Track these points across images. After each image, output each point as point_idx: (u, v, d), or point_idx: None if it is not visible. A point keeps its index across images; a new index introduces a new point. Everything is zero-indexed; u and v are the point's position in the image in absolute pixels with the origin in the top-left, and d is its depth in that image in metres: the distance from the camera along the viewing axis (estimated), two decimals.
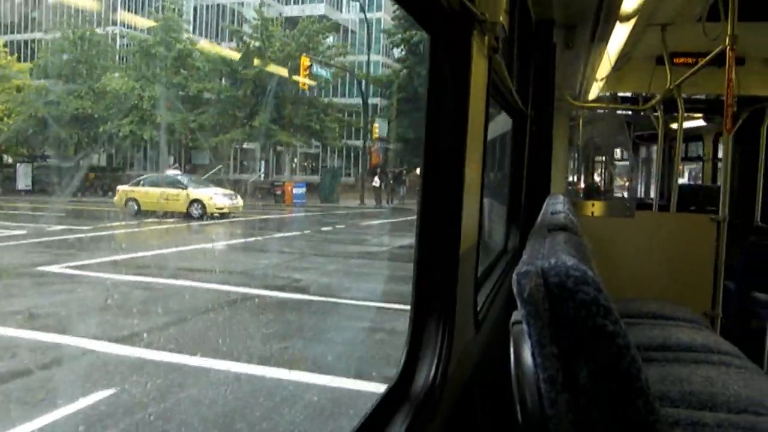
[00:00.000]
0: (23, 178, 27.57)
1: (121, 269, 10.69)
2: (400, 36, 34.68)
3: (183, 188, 20.11)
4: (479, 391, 2.02)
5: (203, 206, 19.52)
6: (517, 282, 1.12)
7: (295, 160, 42.65)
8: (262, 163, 35.56)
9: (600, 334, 1.06)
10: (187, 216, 19.21)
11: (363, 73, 34.78)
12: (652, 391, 1.44)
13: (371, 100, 38.00)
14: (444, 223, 1.59)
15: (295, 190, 27.70)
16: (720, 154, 8.30)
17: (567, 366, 1.06)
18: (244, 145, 36.70)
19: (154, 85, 30.72)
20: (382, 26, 39.25)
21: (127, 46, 34.26)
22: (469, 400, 1.89)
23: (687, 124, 6.44)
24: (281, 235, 17.43)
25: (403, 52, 35.98)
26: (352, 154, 39.59)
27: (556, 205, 2.61)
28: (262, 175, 34.21)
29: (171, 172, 24.62)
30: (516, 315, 1.22)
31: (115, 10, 35.61)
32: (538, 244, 1.58)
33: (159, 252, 13.03)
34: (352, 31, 42.20)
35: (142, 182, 20.98)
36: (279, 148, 36.75)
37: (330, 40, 37.17)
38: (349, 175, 37.53)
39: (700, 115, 7.47)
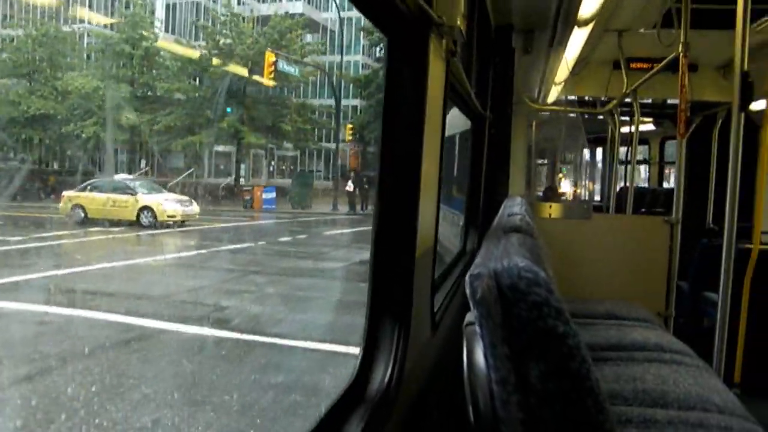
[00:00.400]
0: None
1: (19, 294, 9.02)
2: (377, 35, 33.27)
3: (132, 194, 18.18)
4: (436, 393, 2.00)
5: (153, 214, 17.62)
6: (469, 284, 1.14)
7: (273, 163, 41.30)
8: (238, 166, 33.90)
9: (551, 334, 1.08)
10: (137, 224, 17.40)
11: (343, 73, 33.43)
12: (605, 389, 1.57)
13: (351, 102, 36.69)
14: (400, 226, 1.60)
15: (264, 195, 25.82)
16: (666, 158, 8.78)
17: (518, 367, 1.08)
18: (220, 148, 35.32)
19: (119, 85, 29.11)
20: (362, 24, 37.90)
21: (94, 44, 32.84)
22: (425, 402, 1.89)
23: (633, 129, 6.61)
24: (232, 247, 15.56)
25: (383, 51, 34.47)
26: (331, 157, 38.41)
27: (513, 207, 2.64)
28: (233, 179, 32.51)
29: (120, 177, 22.67)
30: (469, 316, 1.24)
31: (82, 6, 34.18)
32: (493, 246, 1.60)
33: (80, 270, 11.26)
34: (332, 30, 40.85)
35: (89, 187, 18.85)
36: (254, 151, 35.28)
37: (309, 38, 35.89)
38: (328, 178, 36.18)
39: (649, 120, 7.65)
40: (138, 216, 17.59)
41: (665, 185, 8.67)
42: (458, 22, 1.78)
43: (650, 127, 8.02)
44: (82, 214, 17.58)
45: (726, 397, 2.00)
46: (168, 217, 17.64)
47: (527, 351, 1.08)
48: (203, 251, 14.53)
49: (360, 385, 1.52)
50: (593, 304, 3.16)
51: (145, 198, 18.15)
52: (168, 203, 18.11)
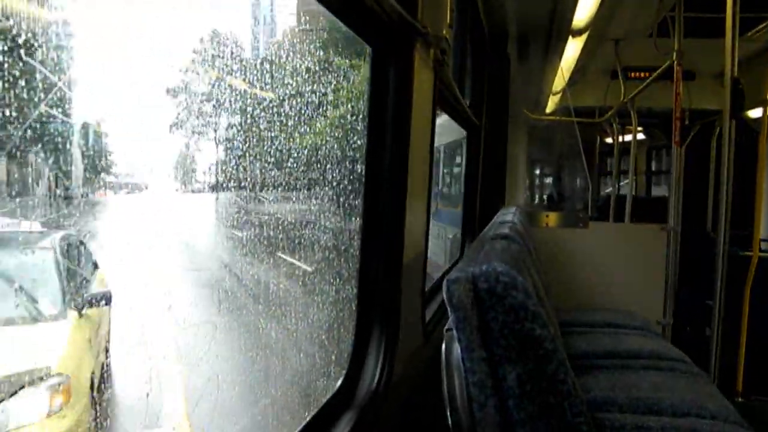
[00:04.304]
0: None
1: None
2: None
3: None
4: (427, 400, 1.97)
5: None
6: (446, 288, 1.14)
7: None
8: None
9: (528, 338, 1.10)
10: None
11: None
12: (600, 397, 1.83)
13: None
14: (385, 233, 1.60)
15: None
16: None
17: (495, 370, 1.10)
18: None
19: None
20: None
21: None
22: (416, 408, 1.93)
23: (621, 138, 6.71)
24: None
25: None
26: None
27: (506, 216, 2.64)
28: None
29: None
30: (450, 322, 1.25)
31: None
32: (475, 252, 1.60)
33: None
34: None
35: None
36: None
37: None
38: None
39: (640, 129, 7.73)
40: None
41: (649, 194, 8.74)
42: (444, 32, 1.79)
43: (640, 136, 7.96)
44: None
45: (720, 404, 1.99)
46: None
47: (504, 354, 1.09)
48: None
49: (348, 389, 1.55)
50: (591, 312, 3.17)
51: None
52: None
